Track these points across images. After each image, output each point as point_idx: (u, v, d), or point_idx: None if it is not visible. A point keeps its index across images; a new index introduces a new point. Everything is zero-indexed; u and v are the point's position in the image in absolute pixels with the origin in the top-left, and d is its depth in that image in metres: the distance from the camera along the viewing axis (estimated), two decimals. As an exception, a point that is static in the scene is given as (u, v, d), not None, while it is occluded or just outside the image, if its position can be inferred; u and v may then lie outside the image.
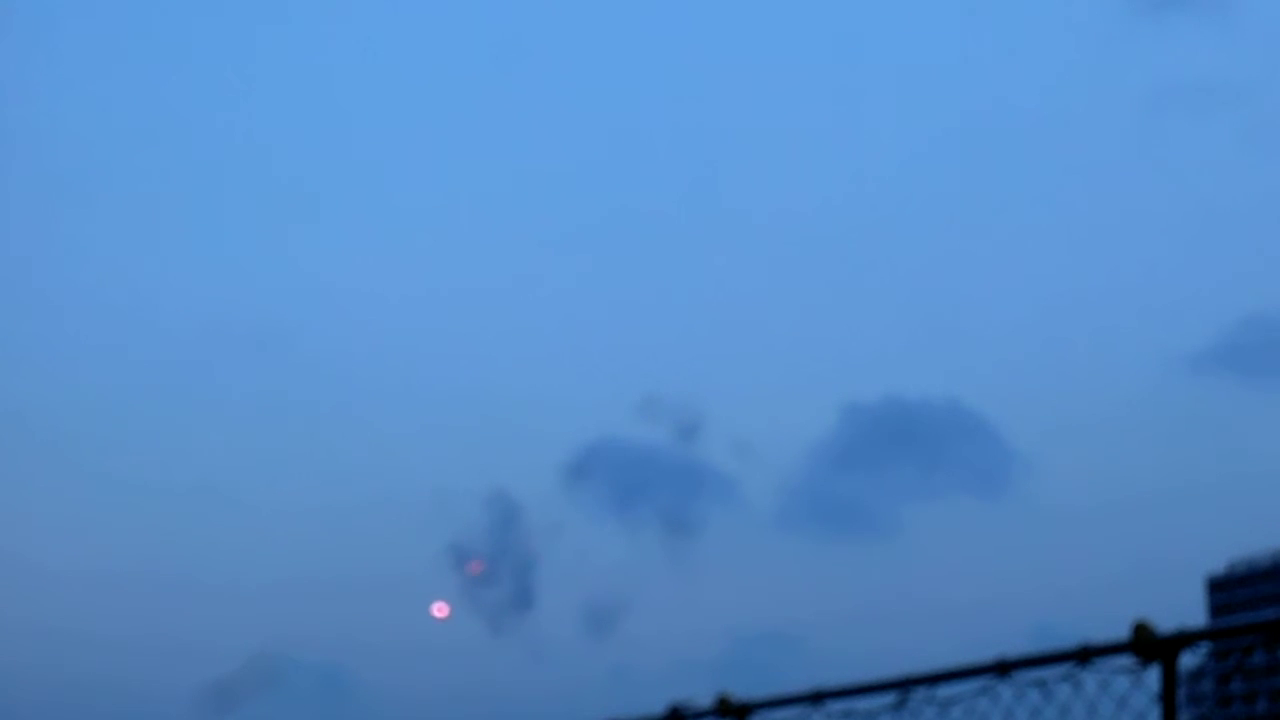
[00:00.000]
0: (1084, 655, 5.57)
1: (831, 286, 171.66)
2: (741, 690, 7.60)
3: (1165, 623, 5.36)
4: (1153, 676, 5.37)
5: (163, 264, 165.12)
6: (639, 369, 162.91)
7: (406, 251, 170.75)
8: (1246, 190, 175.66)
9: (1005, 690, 5.94)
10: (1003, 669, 5.92)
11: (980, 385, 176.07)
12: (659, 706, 8.16)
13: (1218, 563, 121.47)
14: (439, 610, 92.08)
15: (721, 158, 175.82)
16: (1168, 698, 5.34)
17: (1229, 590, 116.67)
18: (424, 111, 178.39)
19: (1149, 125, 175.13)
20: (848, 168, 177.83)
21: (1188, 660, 5.37)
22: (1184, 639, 5.32)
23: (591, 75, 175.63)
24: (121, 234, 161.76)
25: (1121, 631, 5.40)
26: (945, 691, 6.23)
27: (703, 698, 7.85)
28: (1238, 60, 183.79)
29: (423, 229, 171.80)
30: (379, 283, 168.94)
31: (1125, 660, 5.43)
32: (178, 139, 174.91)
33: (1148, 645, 5.33)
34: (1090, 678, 5.59)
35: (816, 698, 6.88)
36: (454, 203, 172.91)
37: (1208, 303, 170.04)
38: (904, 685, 6.40)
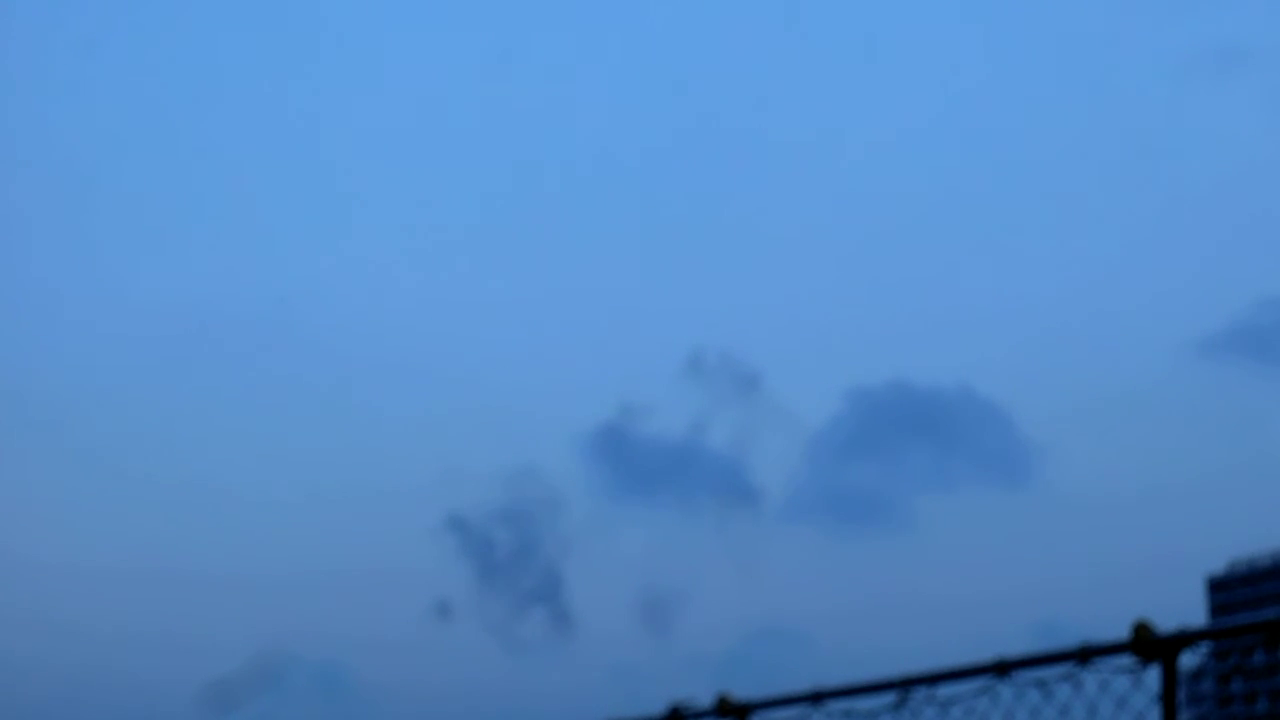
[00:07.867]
0: (1084, 655, 5.58)
1: (835, 275, 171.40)
2: (745, 689, 7.60)
3: (1165, 623, 5.36)
4: (1153, 676, 5.37)
5: (166, 255, 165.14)
6: (642, 359, 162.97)
7: (417, 232, 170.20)
8: (1264, 165, 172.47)
9: (1005, 690, 5.94)
10: (1003, 669, 5.92)
11: (991, 371, 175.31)
12: (660, 705, 8.15)
13: (1218, 562, 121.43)
14: None
15: (724, 151, 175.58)
16: (1168, 698, 5.34)
17: (1229, 590, 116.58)
18: (438, 94, 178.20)
19: (1171, 96, 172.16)
20: (853, 154, 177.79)
21: (1188, 660, 5.38)
22: (1184, 639, 5.33)
23: (622, 49, 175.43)
24: (121, 226, 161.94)
25: (1122, 631, 5.41)
26: (945, 691, 6.23)
27: (703, 697, 7.85)
28: (1264, 25, 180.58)
29: (434, 208, 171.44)
30: (389, 264, 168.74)
31: (1125, 660, 5.44)
32: (180, 130, 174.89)
33: (1148, 645, 5.34)
34: (1090, 678, 5.59)
35: (816, 698, 6.88)
36: (459, 189, 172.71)
37: (1222, 284, 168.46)
38: (904, 685, 6.40)
